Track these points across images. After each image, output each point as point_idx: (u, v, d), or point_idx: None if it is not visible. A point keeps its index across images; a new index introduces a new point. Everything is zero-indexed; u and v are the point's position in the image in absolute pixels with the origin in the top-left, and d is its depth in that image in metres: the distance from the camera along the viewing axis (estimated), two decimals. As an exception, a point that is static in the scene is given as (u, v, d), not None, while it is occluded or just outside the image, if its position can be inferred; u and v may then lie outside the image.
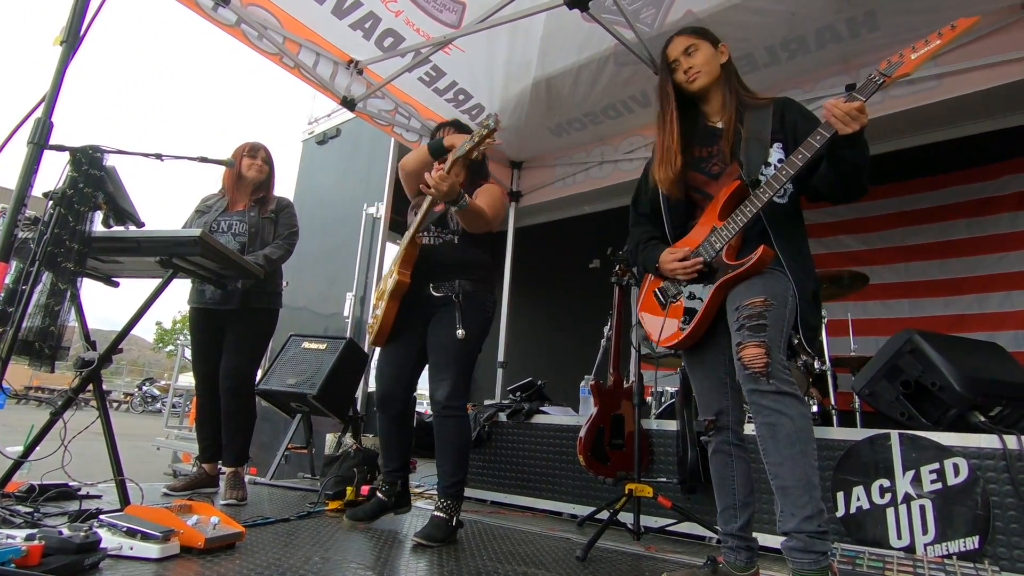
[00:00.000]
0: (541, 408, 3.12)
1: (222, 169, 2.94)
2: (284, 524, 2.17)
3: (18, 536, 1.27)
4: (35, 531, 1.32)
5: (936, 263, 4.39)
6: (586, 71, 3.61)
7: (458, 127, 2.44)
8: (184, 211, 2.96)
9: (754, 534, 1.67)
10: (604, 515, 2.47)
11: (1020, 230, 4.15)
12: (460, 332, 2.05)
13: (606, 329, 4.30)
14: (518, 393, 3.29)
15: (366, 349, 3.57)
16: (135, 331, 2.35)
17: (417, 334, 2.23)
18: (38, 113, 1.23)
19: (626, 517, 2.31)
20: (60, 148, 1.98)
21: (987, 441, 1.92)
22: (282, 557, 1.67)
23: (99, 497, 2.29)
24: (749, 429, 1.75)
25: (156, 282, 2.37)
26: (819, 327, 1.61)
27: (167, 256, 2.22)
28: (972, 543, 1.86)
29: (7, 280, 1.99)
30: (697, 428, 2.31)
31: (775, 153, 1.61)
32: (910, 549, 1.95)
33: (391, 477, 2.33)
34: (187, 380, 9.16)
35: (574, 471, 2.82)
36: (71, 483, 2.25)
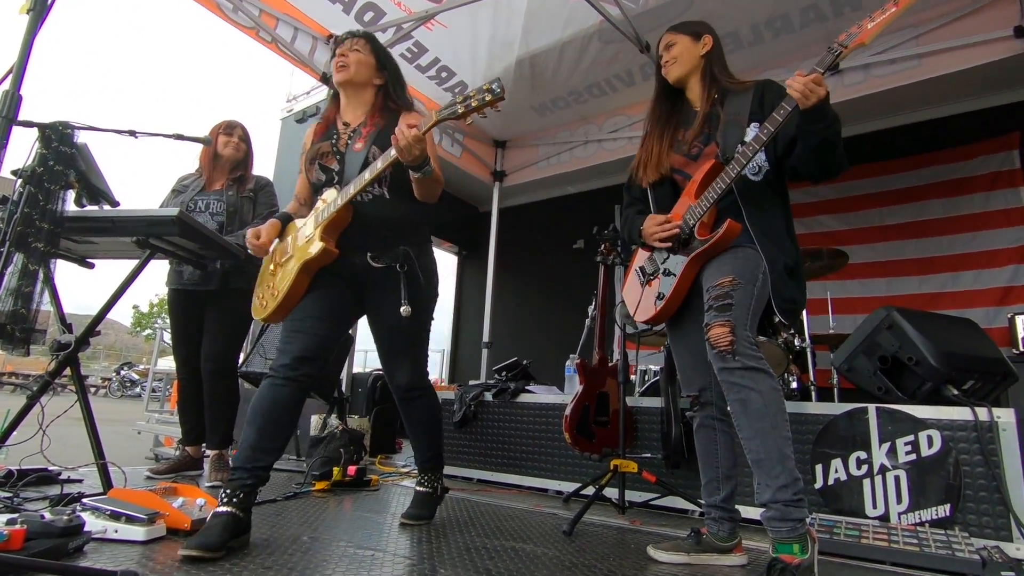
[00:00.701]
0: (527, 387, 3.14)
1: (199, 147, 2.88)
2: (271, 505, 2.17)
3: (-1, 521, 1.25)
4: (16, 515, 1.30)
5: (912, 242, 4.47)
6: (570, 48, 3.58)
7: (371, 41, 1.97)
8: (159, 190, 2.89)
9: (736, 506, 1.72)
10: (589, 491, 2.52)
11: (991, 210, 4.24)
12: (405, 309, 1.70)
13: (590, 308, 4.33)
14: (504, 373, 3.30)
15: (253, 326, 3.34)
16: (112, 315, 2.29)
17: (343, 297, 1.85)
18: (5, 85, 1.18)
19: (611, 492, 2.34)
20: (28, 124, 1.91)
21: (959, 413, 1.98)
22: (270, 537, 1.67)
23: (80, 481, 2.25)
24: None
25: (133, 264, 2.34)
26: (799, 300, 1.62)
27: (144, 236, 2.16)
28: (944, 511, 1.93)
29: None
30: (682, 405, 2.35)
31: (751, 132, 1.64)
32: (884, 518, 2.02)
33: (256, 475, 1.65)
34: (167, 364, 9.04)
35: (559, 449, 2.86)
36: (51, 468, 2.21)
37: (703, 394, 1.76)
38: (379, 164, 1.68)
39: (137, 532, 1.48)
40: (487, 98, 1.53)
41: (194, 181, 2.81)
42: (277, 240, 1.96)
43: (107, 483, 2.05)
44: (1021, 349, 3.31)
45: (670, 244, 1.69)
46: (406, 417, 2.06)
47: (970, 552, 1.67)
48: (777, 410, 1.44)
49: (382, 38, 3.45)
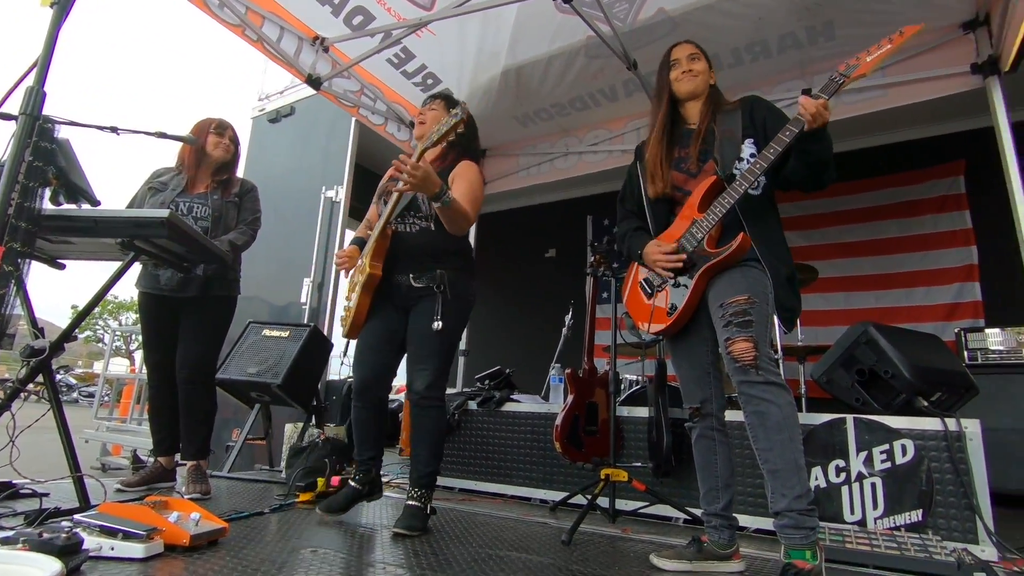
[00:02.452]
0: (511, 396, 3.15)
1: (178, 145, 2.77)
2: (259, 518, 2.11)
3: (-8, 540, 1.18)
4: (11, 533, 1.22)
5: (869, 259, 4.74)
6: (557, 62, 3.63)
7: (447, 100, 2.31)
8: (135, 188, 2.74)
9: (734, 514, 1.78)
10: (576, 499, 2.55)
11: (939, 231, 4.55)
12: (437, 324, 2.02)
13: (567, 318, 4.39)
14: (487, 381, 3.30)
15: (334, 339, 3.47)
16: (47, 316, 2.17)
17: (395, 324, 2.18)
18: (29, 81, 1.11)
19: (600, 501, 2.38)
20: (7, 117, 1.81)
21: (930, 424, 2.11)
22: (273, 552, 1.62)
23: (46, 495, 2.12)
24: (730, 416, 1.85)
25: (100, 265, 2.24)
26: (796, 308, 1.71)
27: (129, 238, 2.07)
28: (916, 516, 2.05)
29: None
30: (675, 415, 2.41)
31: (747, 148, 1.72)
32: (862, 523, 2.13)
33: (366, 465, 2.27)
34: (117, 368, 8.58)
35: (544, 458, 2.88)
36: (15, 481, 2.08)
37: (704, 406, 1.81)
38: (395, 195, 2.06)
39: (135, 549, 1.41)
40: (453, 122, 1.92)
41: (174, 179, 2.68)
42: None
43: (84, 497, 1.94)
44: (967, 362, 3.55)
45: (678, 268, 1.74)
46: (415, 424, 2.09)
47: (945, 555, 1.78)
48: (793, 423, 1.51)
49: (369, 43, 3.43)
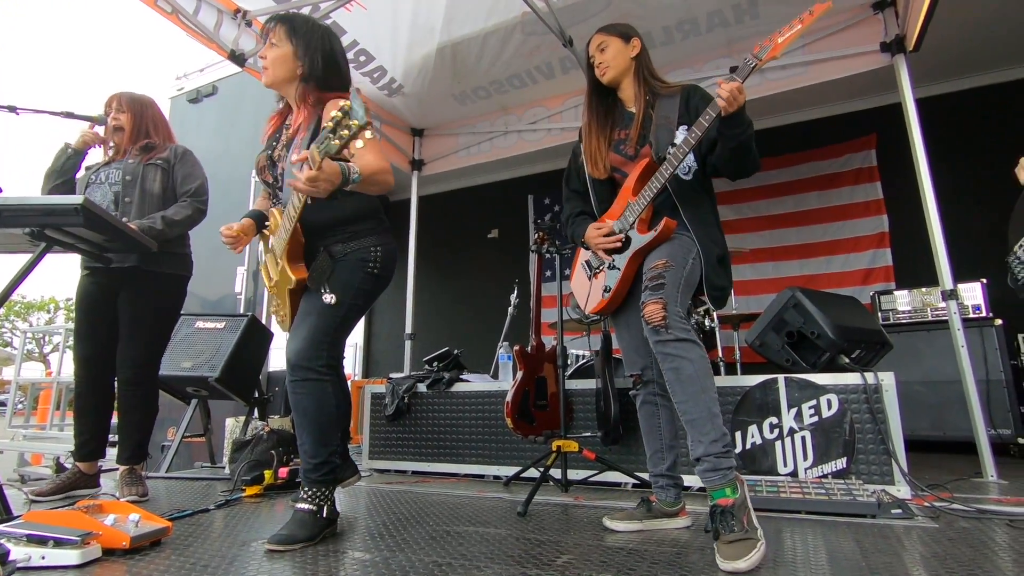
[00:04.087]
0: (461, 376, 3.15)
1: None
2: (204, 515, 2.03)
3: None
4: (-75, 550, 1.12)
5: (793, 230, 5.03)
6: (493, 38, 3.59)
7: (293, 28, 1.79)
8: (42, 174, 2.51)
9: (680, 474, 1.87)
10: (529, 473, 2.60)
11: (856, 202, 4.87)
12: (328, 297, 1.71)
13: (512, 297, 4.42)
14: (435, 363, 3.29)
15: (273, 328, 3.34)
16: None
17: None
18: None
19: (552, 472, 2.44)
20: None
21: (851, 379, 2.28)
22: (222, 547, 1.57)
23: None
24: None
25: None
26: (727, 287, 1.79)
27: (39, 227, 1.91)
28: (841, 464, 2.22)
29: None
30: (621, 385, 2.49)
31: (680, 135, 1.77)
32: (794, 474, 2.29)
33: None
34: (30, 373, 7.94)
35: (497, 435, 2.91)
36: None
37: (645, 372, 1.89)
38: (292, 212, 1.64)
39: (70, 556, 1.33)
40: (355, 128, 1.38)
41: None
42: (262, 243, 1.94)
43: (6, 508, 1.80)
44: (881, 322, 3.85)
45: (615, 247, 1.80)
46: (292, 407, 1.73)
47: (867, 496, 1.95)
48: (706, 375, 1.59)
49: (296, 16, 3.26)
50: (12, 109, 2.06)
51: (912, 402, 3.26)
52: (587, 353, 3.80)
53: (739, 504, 1.49)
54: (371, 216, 1.85)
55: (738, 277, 4.79)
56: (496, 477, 2.87)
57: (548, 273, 4.09)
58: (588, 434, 2.60)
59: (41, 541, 1.33)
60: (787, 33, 1.59)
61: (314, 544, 1.62)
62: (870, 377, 2.24)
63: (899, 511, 1.89)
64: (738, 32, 3.46)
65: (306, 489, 1.70)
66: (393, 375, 3.47)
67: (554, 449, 2.39)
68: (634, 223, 1.76)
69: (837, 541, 1.61)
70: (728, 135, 1.64)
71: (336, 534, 1.74)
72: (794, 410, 2.34)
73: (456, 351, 3.35)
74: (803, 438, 2.31)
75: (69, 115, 2.35)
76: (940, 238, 2.78)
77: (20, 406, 6.26)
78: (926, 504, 2.00)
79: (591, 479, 2.54)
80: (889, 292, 3.77)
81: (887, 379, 2.23)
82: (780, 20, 1.60)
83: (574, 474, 2.54)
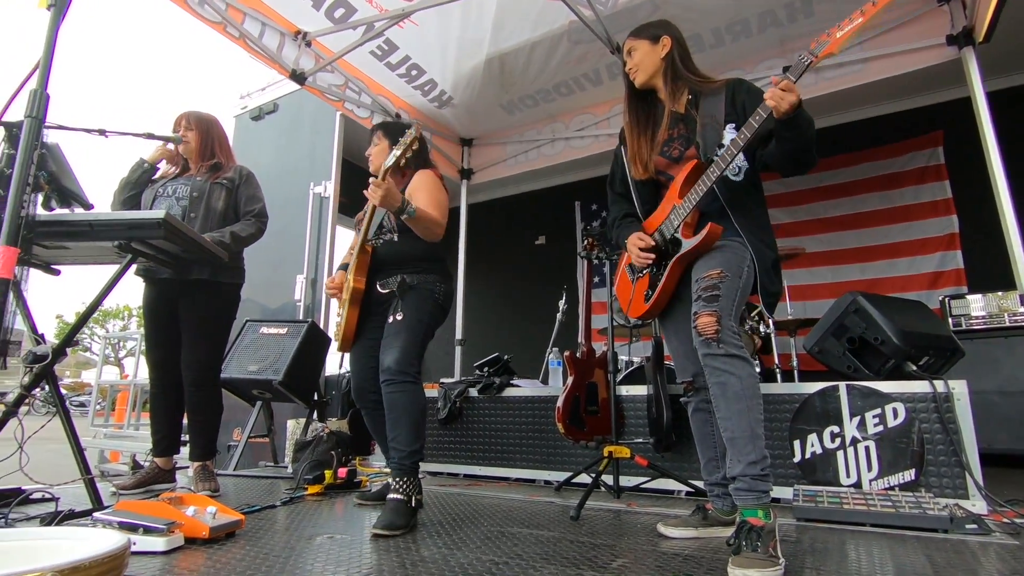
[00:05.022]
0: (511, 382, 3.19)
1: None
2: (271, 511, 2.14)
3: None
4: (36, 533, 1.24)
5: (852, 233, 4.84)
6: (540, 48, 3.64)
7: (386, 129, 2.40)
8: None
9: (736, 481, 1.84)
10: (581, 478, 2.61)
11: (921, 202, 4.64)
12: (397, 316, 2.09)
13: (561, 303, 4.44)
14: (486, 368, 3.34)
15: (331, 334, 3.48)
16: (23, 326, 2.12)
17: (376, 332, 2.20)
18: (32, 84, 1.11)
19: (603, 478, 2.43)
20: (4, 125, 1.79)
21: (920, 387, 2.18)
22: (291, 540, 1.66)
23: (57, 499, 2.13)
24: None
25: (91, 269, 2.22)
26: (779, 294, 1.75)
27: (126, 240, 2.07)
28: (909, 476, 2.13)
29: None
30: (673, 391, 2.47)
31: (728, 134, 1.72)
32: (857, 485, 2.21)
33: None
34: (112, 375, 8.50)
35: (546, 439, 2.93)
36: (25, 487, 2.09)
37: (697, 379, 1.86)
38: (368, 213, 2.17)
39: (157, 543, 1.44)
40: (407, 142, 2.02)
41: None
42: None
43: (97, 498, 1.96)
44: (952, 329, 3.66)
45: (650, 263, 1.80)
46: (389, 405, 2.00)
47: (939, 510, 1.86)
48: (753, 394, 1.56)
49: (351, 35, 3.41)
50: (102, 132, 2.24)
51: (988, 413, 3.07)
52: (632, 359, 3.76)
53: (768, 530, 1.45)
54: (437, 259, 2.25)
55: (794, 282, 4.66)
56: (547, 482, 2.89)
57: (597, 279, 4.09)
58: (640, 440, 2.59)
59: (132, 528, 1.45)
60: (847, 27, 1.50)
61: (407, 532, 1.80)
62: (940, 385, 2.14)
63: (974, 526, 1.79)
64: (791, 31, 3.39)
65: (397, 480, 1.94)
66: (444, 380, 3.55)
67: (606, 455, 2.39)
68: (679, 227, 1.73)
69: (906, 555, 1.55)
70: (786, 136, 1.58)
71: (417, 525, 1.90)
72: (857, 419, 2.26)
73: (505, 356, 3.39)
74: (867, 448, 2.23)
75: (150, 136, 2.53)
76: (1017, 238, 2.61)
77: (99, 407, 6.70)
78: (1005, 520, 1.89)
79: (643, 486, 2.52)
80: (961, 296, 3.57)
81: (959, 387, 2.13)
82: (836, 18, 1.54)
83: (626, 480, 2.52)
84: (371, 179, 2.00)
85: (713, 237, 1.66)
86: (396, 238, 2.20)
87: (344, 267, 2.38)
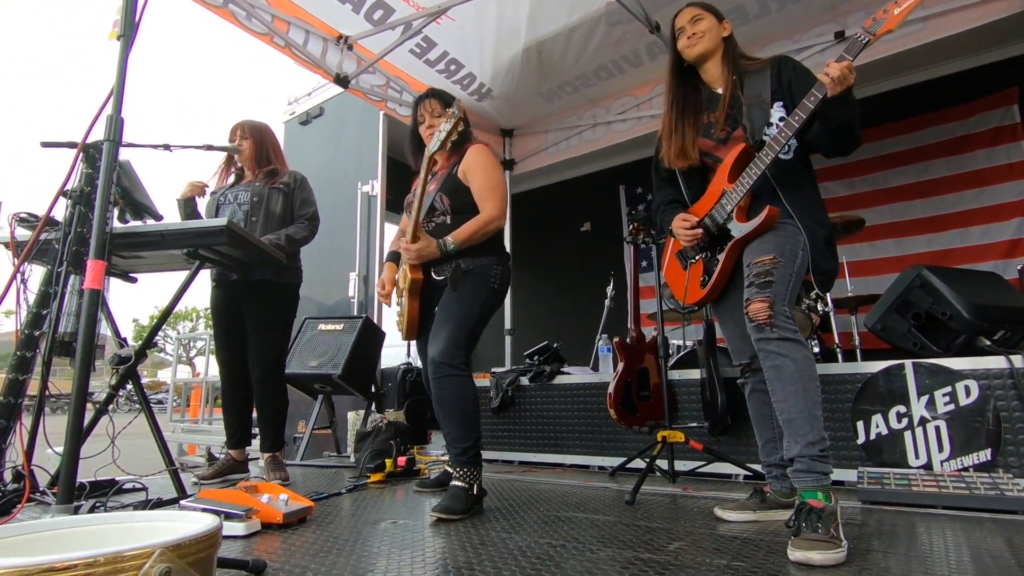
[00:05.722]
0: (562, 369, 3.22)
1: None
2: (337, 498, 2.25)
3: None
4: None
5: (918, 202, 4.57)
6: (577, 33, 3.60)
7: (438, 96, 2.31)
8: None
9: (795, 464, 1.80)
10: (635, 463, 2.61)
11: (995, 165, 4.33)
12: (448, 305, 2.05)
13: (608, 289, 4.42)
14: (536, 357, 3.37)
15: (384, 327, 3.61)
16: (108, 331, 2.28)
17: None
18: (108, 110, 1.22)
19: (658, 462, 2.43)
20: (71, 145, 1.94)
21: (994, 363, 2.07)
22: (357, 524, 1.75)
23: (145, 489, 2.32)
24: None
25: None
26: (834, 270, 1.70)
27: (194, 247, 2.21)
28: (985, 456, 2.03)
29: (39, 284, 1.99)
30: (727, 375, 2.43)
31: (776, 113, 1.68)
32: (927, 467, 2.12)
33: None
34: (184, 373, 9.07)
35: (600, 425, 2.94)
36: (118, 478, 2.28)
37: (753, 361, 1.83)
38: (416, 202, 2.09)
39: (237, 528, 1.55)
40: (452, 123, 1.98)
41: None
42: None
43: (180, 488, 2.12)
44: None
45: (696, 243, 1.78)
46: (437, 398, 1.99)
47: (1018, 491, 1.76)
48: (809, 375, 1.52)
49: (390, 36, 3.48)
50: (167, 147, 2.39)
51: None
52: (684, 344, 3.71)
53: (829, 512, 1.41)
54: (493, 239, 2.16)
55: (855, 257, 4.45)
56: (601, 468, 2.91)
57: (644, 264, 4.04)
58: (694, 424, 2.57)
59: (215, 515, 1.56)
60: (905, 3, 1.44)
61: (467, 517, 1.85)
62: (1018, 361, 2.02)
63: (1059, 507, 1.69)
64: (843, -6, 3.22)
65: (457, 470, 1.95)
66: (495, 369, 3.61)
67: (660, 440, 2.38)
68: (732, 212, 1.70)
69: (982, 538, 1.49)
70: (831, 116, 1.55)
71: (482, 511, 1.94)
72: (925, 398, 2.16)
73: (555, 344, 3.41)
74: (937, 428, 2.13)
75: (209, 147, 2.68)
76: (1103, 200, 2.42)
77: (176, 403, 7.18)
78: (1094, 501, 1.77)
79: (699, 470, 2.51)
80: (1041, 265, 3.33)
81: (1039, 362, 2.00)
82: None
83: (681, 465, 2.51)
84: (401, 241, 2.07)
85: (771, 220, 1.63)
86: (449, 220, 2.13)
87: (392, 256, 2.36)
